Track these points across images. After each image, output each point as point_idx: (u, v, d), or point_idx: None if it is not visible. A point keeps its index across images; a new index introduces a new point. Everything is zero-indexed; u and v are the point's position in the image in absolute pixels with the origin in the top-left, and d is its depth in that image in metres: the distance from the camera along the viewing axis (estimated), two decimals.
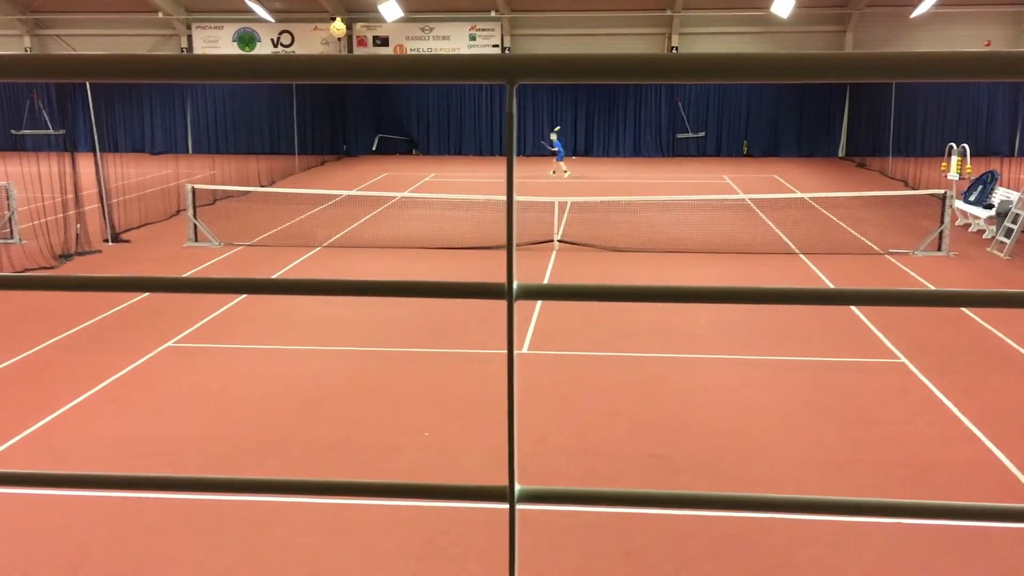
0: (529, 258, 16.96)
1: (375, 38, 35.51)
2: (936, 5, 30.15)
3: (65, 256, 17.10)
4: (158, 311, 13.20)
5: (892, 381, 10.42)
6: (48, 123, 34.68)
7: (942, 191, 17.81)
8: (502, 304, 1.20)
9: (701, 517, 7.28)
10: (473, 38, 35.02)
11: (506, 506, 1.28)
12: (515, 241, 1.13)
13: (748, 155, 36.56)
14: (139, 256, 17.50)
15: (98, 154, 19.06)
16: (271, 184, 27.80)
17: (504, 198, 1.18)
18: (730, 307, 13.03)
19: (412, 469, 8.29)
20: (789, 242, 18.39)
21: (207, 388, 10.24)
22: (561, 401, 9.85)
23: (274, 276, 15.50)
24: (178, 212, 21.79)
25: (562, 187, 26.02)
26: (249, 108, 37.62)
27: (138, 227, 20.27)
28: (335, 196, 24.00)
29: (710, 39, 34.35)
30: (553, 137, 31.01)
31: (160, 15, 34.93)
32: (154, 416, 9.46)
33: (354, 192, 22.92)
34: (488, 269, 15.78)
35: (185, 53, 34.97)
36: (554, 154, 30.26)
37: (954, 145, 20.99)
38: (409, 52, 34.80)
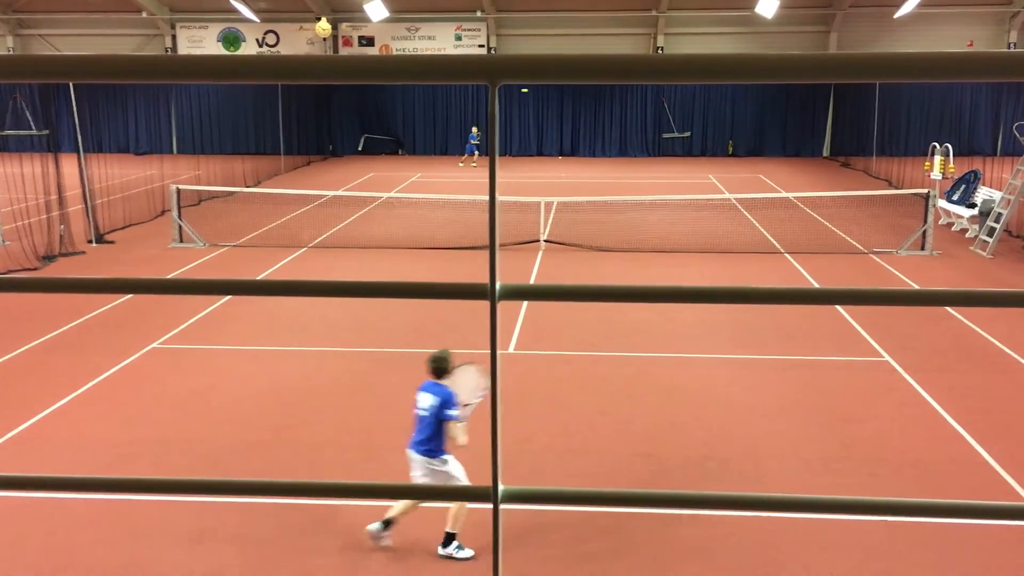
0: (515, 258, 16.97)
1: (361, 38, 35.42)
2: (919, 6, 30.32)
3: (49, 257, 16.99)
4: (143, 312, 13.13)
5: (877, 379, 10.47)
6: (31, 123, 34.41)
7: (925, 190, 17.92)
8: (487, 304, 1.20)
9: (688, 516, 7.30)
10: (459, 38, 34.99)
11: (490, 506, 1.28)
12: (500, 241, 1.13)
13: (733, 155, 36.67)
14: (124, 257, 17.41)
15: (82, 154, 18.94)
16: (256, 184, 27.70)
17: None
18: (716, 306, 13.06)
19: (399, 469, 8.27)
20: (774, 241, 18.46)
21: (192, 389, 10.19)
22: (548, 401, 9.86)
23: (260, 277, 15.45)
24: (163, 213, 21.69)
25: (548, 187, 26.02)
26: (234, 108, 37.47)
27: (122, 228, 20.16)
28: (321, 196, 23.94)
29: (695, 39, 34.43)
30: (475, 131, 35.10)
31: (144, 15, 34.75)
32: (139, 418, 9.41)
33: (340, 192, 22.88)
34: (474, 269, 15.77)
35: (170, 53, 34.82)
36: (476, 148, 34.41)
37: (937, 145, 21.14)
38: (395, 52, 34.74)
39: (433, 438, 6.68)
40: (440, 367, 6.80)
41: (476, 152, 34.43)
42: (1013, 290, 1.14)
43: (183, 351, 11.61)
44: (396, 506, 6.89)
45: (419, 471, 6.79)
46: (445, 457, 6.74)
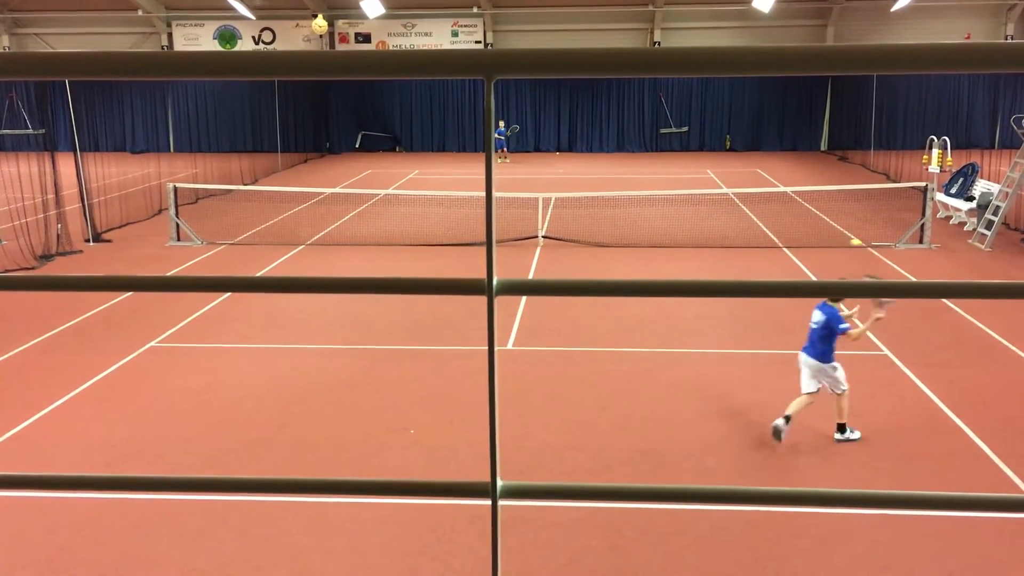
0: (513, 254, 16.96)
1: (357, 34, 35.38)
2: None
3: (46, 256, 16.97)
4: (141, 311, 13.12)
5: (876, 373, 10.48)
6: (28, 123, 34.37)
7: (923, 184, 17.91)
8: (485, 300, 1.20)
9: (687, 511, 7.31)
10: (455, 34, 34.94)
11: (489, 502, 1.28)
12: (497, 237, 1.13)
13: (731, 149, 36.66)
14: (121, 256, 17.39)
15: (78, 153, 18.90)
16: (254, 182, 27.66)
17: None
18: (714, 301, 13.06)
19: (398, 467, 8.28)
20: (772, 235, 18.46)
21: (191, 388, 10.19)
22: (546, 397, 9.86)
23: (257, 275, 15.43)
24: (160, 211, 21.66)
25: (546, 183, 26.01)
26: (231, 106, 37.43)
27: (120, 227, 20.13)
28: (318, 194, 23.91)
29: (692, 34, 34.41)
30: (501, 124, 34.82)
31: (140, 13, 34.68)
32: (138, 416, 9.40)
33: (337, 190, 22.87)
34: (471, 265, 15.77)
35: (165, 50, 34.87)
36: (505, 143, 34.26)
37: (935, 138, 21.11)
38: (391, 49, 34.66)
39: (823, 347, 8.36)
40: None
41: (505, 147, 34.12)
42: (1012, 282, 1.14)
43: (181, 349, 11.60)
44: (792, 404, 8.49)
45: (808, 372, 8.51)
46: (835, 364, 8.44)
